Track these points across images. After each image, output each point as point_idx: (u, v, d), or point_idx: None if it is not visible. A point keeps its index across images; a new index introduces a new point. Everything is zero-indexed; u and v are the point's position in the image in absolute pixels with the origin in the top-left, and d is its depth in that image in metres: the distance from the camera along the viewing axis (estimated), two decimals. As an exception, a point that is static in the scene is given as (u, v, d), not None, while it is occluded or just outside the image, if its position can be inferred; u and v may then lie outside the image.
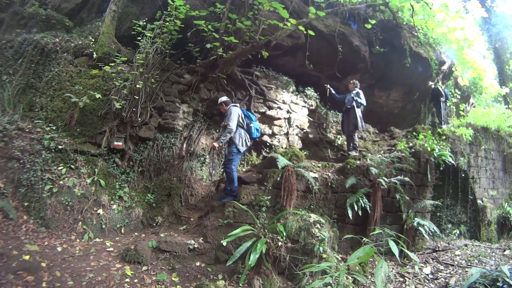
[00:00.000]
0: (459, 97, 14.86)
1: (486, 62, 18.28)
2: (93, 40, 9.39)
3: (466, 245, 9.60)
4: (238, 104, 8.08)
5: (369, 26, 10.66)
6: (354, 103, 9.78)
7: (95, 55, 8.72)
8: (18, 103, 8.06)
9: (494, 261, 8.10)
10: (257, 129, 8.10)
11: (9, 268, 5.08)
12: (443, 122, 12.47)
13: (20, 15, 11.02)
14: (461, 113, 14.92)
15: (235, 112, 7.57)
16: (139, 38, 8.42)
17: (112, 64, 8.31)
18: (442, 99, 12.43)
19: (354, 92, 9.99)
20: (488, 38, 22.30)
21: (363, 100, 9.94)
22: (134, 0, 10.37)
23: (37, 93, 8.39)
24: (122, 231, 7.35)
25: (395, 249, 4.92)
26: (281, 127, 10.48)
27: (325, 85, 10.63)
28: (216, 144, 7.56)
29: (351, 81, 10.35)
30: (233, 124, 7.39)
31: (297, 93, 11.05)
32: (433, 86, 12.62)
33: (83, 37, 10.05)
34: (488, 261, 8.05)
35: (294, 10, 9.50)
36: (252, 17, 8.32)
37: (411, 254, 5.49)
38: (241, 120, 7.69)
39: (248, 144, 7.86)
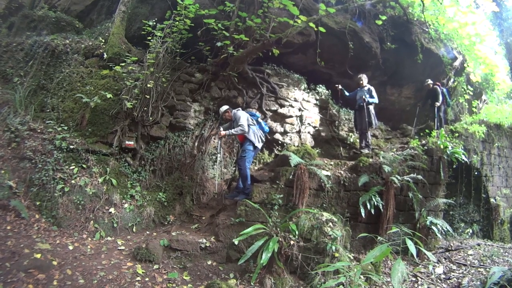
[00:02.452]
0: (471, 93, 14.67)
1: (498, 58, 17.97)
2: (103, 41, 9.44)
3: (478, 245, 9.47)
4: (239, 108, 8.23)
5: (379, 22, 10.56)
6: (367, 101, 9.71)
7: (105, 56, 8.77)
8: (29, 104, 8.13)
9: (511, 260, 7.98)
10: (265, 123, 8.29)
11: (21, 266, 5.11)
12: (441, 125, 11.52)
13: (30, 18, 11.14)
14: (474, 110, 14.74)
15: (243, 114, 7.74)
16: (149, 38, 8.45)
17: (123, 64, 8.35)
18: (438, 103, 11.40)
19: (366, 89, 9.92)
20: (499, 33, 21.96)
21: (375, 99, 9.85)
22: (144, 0, 10.39)
23: (48, 94, 8.46)
24: (134, 229, 7.38)
25: (412, 248, 4.84)
26: (293, 125, 10.43)
27: (336, 85, 10.55)
28: (223, 133, 7.71)
29: (359, 76, 10.24)
30: (245, 124, 7.54)
31: (308, 90, 10.98)
32: (431, 86, 11.78)
33: (93, 38, 10.12)
34: (508, 260, 7.93)
35: (304, 7, 9.43)
36: (262, 15, 8.28)
37: (428, 254, 5.37)
38: (250, 120, 7.84)
39: (263, 139, 8.01)
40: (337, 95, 10.68)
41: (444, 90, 11.73)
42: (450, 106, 12.59)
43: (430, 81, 11.74)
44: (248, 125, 7.68)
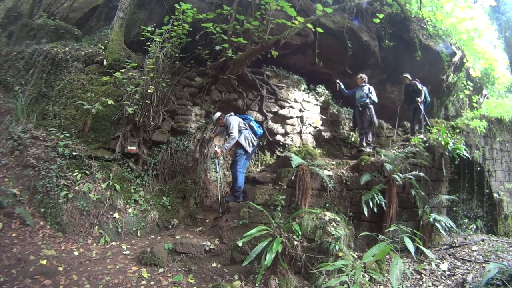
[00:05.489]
0: (471, 89, 14.69)
1: (497, 52, 18.00)
2: (102, 47, 9.45)
3: (483, 240, 9.46)
4: (232, 113, 8.37)
5: (377, 21, 10.58)
6: (368, 100, 9.72)
7: (105, 62, 8.79)
8: (31, 112, 8.15)
9: (511, 256, 7.96)
10: (258, 126, 8.47)
11: (27, 272, 5.15)
12: (421, 127, 10.84)
13: (29, 27, 11.18)
14: (474, 105, 14.75)
15: (234, 120, 7.95)
16: (148, 43, 8.47)
17: (123, 70, 8.37)
18: (420, 99, 10.56)
19: (366, 88, 9.92)
20: (498, 27, 22.00)
21: (375, 97, 9.87)
22: (142, 6, 10.45)
23: (50, 101, 8.49)
24: (138, 234, 7.41)
25: (410, 246, 4.85)
26: (294, 126, 10.45)
27: (336, 80, 10.59)
28: (219, 150, 7.98)
29: (359, 76, 10.26)
30: (235, 131, 7.76)
31: (308, 91, 10.99)
32: (408, 81, 11.03)
33: (92, 45, 10.14)
34: (505, 256, 7.93)
35: (302, 8, 9.46)
36: (260, 17, 8.32)
37: (427, 251, 5.40)
38: (242, 125, 8.03)
39: (255, 143, 8.16)
40: (337, 93, 10.69)
41: (425, 88, 10.90)
42: (429, 107, 11.60)
43: (407, 75, 11.16)
44: (240, 130, 7.89)
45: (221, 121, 8.31)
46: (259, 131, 8.43)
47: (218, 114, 8.39)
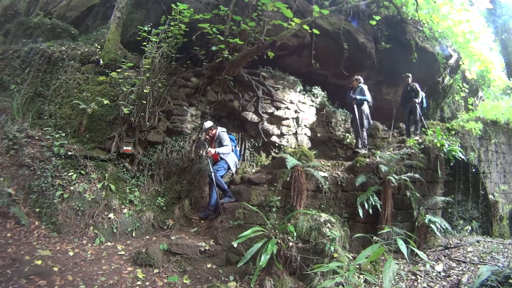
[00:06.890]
0: (467, 91, 14.75)
1: (493, 54, 18.07)
2: (99, 47, 9.43)
3: (478, 241, 9.49)
4: (224, 129, 8.49)
5: (373, 23, 10.61)
6: (354, 102, 9.78)
7: (101, 62, 8.78)
8: (27, 111, 8.10)
9: (504, 258, 7.98)
10: (238, 151, 8.96)
11: (22, 273, 5.13)
12: (417, 129, 10.95)
13: (26, 25, 11.10)
14: (470, 107, 14.81)
15: (227, 137, 8.18)
16: (145, 43, 8.47)
17: (119, 70, 8.36)
18: (417, 100, 10.84)
19: (358, 89, 9.98)
20: (494, 30, 22.09)
21: (367, 96, 9.88)
22: (139, 6, 10.43)
23: (46, 101, 8.44)
24: (133, 234, 7.40)
25: (403, 248, 4.88)
26: (290, 127, 10.46)
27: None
28: (212, 151, 7.91)
29: (354, 78, 10.30)
30: (230, 147, 8.07)
31: (304, 92, 11.00)
32: (409, 80, 11.17)
33: (89, 45, 10.10)
34: (500, 257, 7.96)
35: (298, 9, 9.49)
36: (256, 18, 8.33)
37: (420, 253, 5.42)
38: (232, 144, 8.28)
39: (238, 166, 8.70)
40: (332, 96, 10.72)
41: (423, 94, 11.17)
42: (425, 112, 11.75)
43: (409, 75, 11.25)
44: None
45: (212, 132, 8.26)
46: (238, 156, 8.82)
47: (210, 123, 8.29)
